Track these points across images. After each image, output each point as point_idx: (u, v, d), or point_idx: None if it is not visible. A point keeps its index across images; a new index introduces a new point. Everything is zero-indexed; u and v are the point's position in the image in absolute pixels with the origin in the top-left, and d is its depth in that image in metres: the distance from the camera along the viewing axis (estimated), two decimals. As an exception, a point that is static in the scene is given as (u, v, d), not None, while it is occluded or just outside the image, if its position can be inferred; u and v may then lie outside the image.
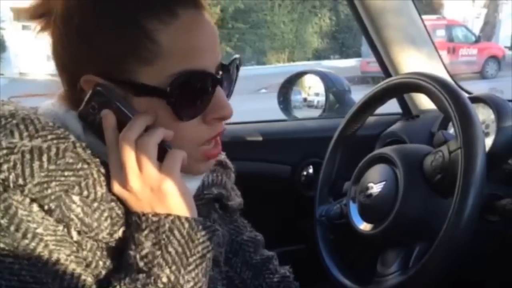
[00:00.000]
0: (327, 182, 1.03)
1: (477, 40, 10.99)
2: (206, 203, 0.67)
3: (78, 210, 0.51)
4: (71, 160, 0.52)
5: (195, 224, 0.54)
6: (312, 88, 1.55)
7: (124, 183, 0.53)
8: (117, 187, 0.54)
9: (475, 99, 0.97)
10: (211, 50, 0.56)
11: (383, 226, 0.84)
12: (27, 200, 0.50)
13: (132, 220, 0.54)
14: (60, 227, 0.52)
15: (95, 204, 0.53)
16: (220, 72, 0.58)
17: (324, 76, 1.46)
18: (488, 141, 0.90)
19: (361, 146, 1.07)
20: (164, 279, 0.51)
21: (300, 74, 1.53)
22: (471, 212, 0.70)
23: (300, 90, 1.57)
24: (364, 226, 0.90)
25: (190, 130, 0.57)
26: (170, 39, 0.53)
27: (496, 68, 10.54)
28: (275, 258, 0.80)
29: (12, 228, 0.49)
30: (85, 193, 0.52)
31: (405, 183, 0.83)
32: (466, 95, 0.86)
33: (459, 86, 1.27)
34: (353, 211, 0.92)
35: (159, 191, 0.53)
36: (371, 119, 1.10)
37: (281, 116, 1.49)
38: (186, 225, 0.53)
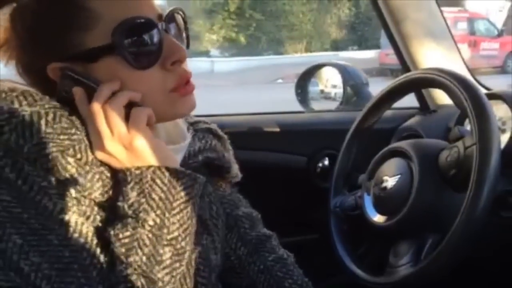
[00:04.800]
0: (343, 174, 1.05)
1: (500, 34, 10.77)
2: (193, 172, 0.69)
3: (73, 170, 0.56)
4: (66, 125, 0.57)
5: (175, 173, 0.58)
6: (330, 80, 1.56)
7: (103, 148, 0.57)
8: (98, 153, 0.58)
9: (492, 96, 0.97)
10: (146, 2, 0.61)
11: (397, 218, 0.86)
12: (30, 158, 0.55)
13: (119, 177, 0.58)
14: (61, 184, 0.56)
15: (87, 167, 0.57)
16: (165, 21, 0.61)
17: (342, 69, 1.47)
18: (505, 138, 0.91)
19: (377, 140, 1.08)
20: (151, 222, 0.56)
21: (318, 66, 1.54)
22: (484, 207, 0.71)
23: (318, 82, 1.58)
24: (378, 218, 0.91)
25: (153, 79, 0.60)
26: (101, 2, 0.58)
27: (518, 62, 10.32)
28: (274, 238, 0.80)
29: (19, 181, 0.54)
30: (79, 155, 0.57)
31: (420, 177, 0.84)
32: (484, 91, 0.86)
33: (478, 82, 1.27)
34: (368, 203, 0.94)
35: (132, 148, 0.57)
36: (388, 112, 1.11)
37: (296, 105, 1.51)
38: (167, 173, 0.58)
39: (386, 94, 0.99)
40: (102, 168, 0.58)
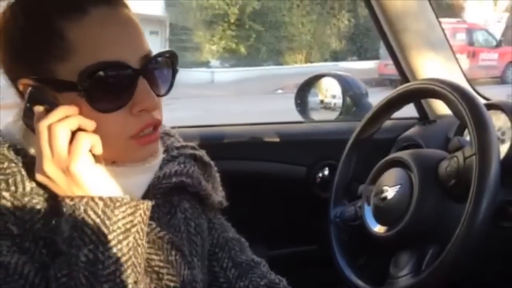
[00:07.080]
0: (343, 184, 1.05)
1: (498, 45, 10.84)
2: (165, 192, 0.68)
3: (8, 204, 0.55)
4: None
5: (110, 202, 0.55)
6: (329, 91, 1.56)
7: (42, 170, 0.56)
8: (37, 174, 0.56)
9: (491, 106, 0.98)
10: (128, 43, 0.58)
11: (397, 229, 0.86)
12: None
13: (58, 207, 0.57)
14: (1, 222, 0.55)
15: (26, 198, 0.56)
16: (147, 65, 0.59)
17: (341, 79, 1.47)
18: (504, 148, 0.91)
19: (377, 150, 1.08)
20: (83, 258, 0.54)
21: (317, 77, 1.54)
22: (484, 218, 0.71)
23: (317, 92, 1.58)
24: (378, 229, 0.91)
25: (115, 123, 0.58)
26: (80, 35, 0.56)
27: (518, 73, 10.36)
28: (264, 264, 0.78)
29: None
30: (13, 188, 0.56)
31: (419, 188, 0.84)
32: (483, 101, 0.87)
33: (477, 92, 1.27)
34: (368, 213, 0.94)
35: (69, 172, 0.55)
36: (387, 122, 1.11)
37: (296, 115, 1.51)
38: (101, 204, 0.55)
39: (385, 105, 0.99)
40: (43, 197, 0.57)
